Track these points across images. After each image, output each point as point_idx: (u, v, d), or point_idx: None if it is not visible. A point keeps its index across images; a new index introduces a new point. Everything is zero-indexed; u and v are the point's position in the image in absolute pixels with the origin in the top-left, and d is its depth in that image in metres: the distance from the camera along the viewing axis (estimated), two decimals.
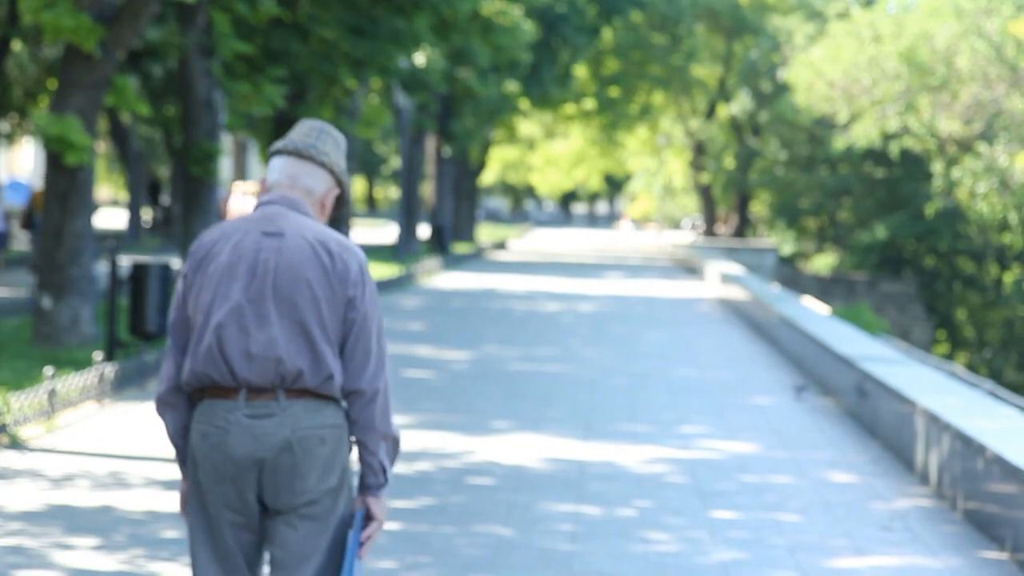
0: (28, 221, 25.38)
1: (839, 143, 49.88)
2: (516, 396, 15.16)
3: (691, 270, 44.87)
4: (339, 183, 4.81)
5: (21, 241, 37.36)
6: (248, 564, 4.66)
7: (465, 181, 59.36)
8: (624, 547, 8.63)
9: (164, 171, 61.25)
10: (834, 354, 15.78)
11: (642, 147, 75.48)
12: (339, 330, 4.61)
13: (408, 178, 45.26)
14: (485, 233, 70.15)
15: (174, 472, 10.03)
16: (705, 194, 69.30)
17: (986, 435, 9.64)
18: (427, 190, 60.87)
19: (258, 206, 4.77)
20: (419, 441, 11.95)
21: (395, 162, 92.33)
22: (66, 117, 16.60)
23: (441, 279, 36.27)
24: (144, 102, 20.86)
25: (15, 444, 11.18)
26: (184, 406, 4.71)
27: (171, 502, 9.23)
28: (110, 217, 60.43)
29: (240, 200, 11.20)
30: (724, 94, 66.67)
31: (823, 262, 60.20)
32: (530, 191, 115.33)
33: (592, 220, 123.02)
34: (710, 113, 68.33)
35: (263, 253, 4.61)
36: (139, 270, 15.46)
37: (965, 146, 42.42)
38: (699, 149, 68.66)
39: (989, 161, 39.00)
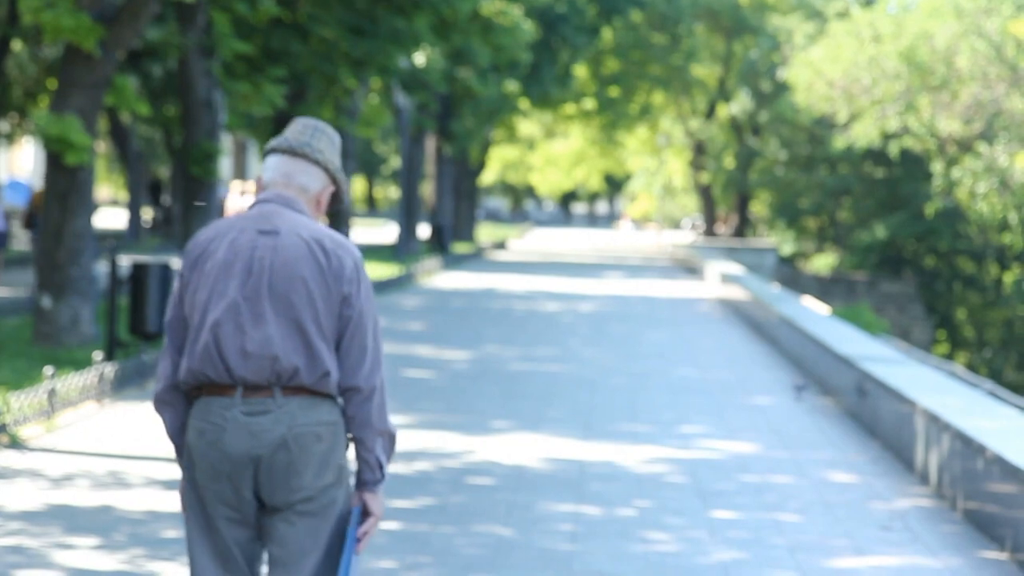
0: (30, 221, 25.38)
1: (839, 143, 49.88)
2: (516, 396, 15.16)
3: (691, 270, 44.87)
4: (334, 181, 4.82)
5: (21, 241, 37.37)
6: (246, 561, 4.67)
7: (465, 181, 59.37)
8: (624, 547, 8.63)
9: (164, 171, 61.23)
10: (834, 354, 15.78)
11: (642, 147, 75.49)
12: (335, 327, 4.62)
13: (408, 178, 45.26)
14: (485, 233, 70.15)
15: (174, 472, 10.03)
16: (705, 194, 69.31)
17: (986, 435, 9.63)
18: (427, 190, 60.87)
19: (254, 204, 4.79)
20: (419, 441, 11.95)
21: (395, 162, 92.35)
22: (66, 117, 16.59)
23: (441, 279, 36.27)
24: (144, 102, 20.85)
25: (15, 444, 11.18)
26: (182, 404, 4.73)
27: (171, 502, 9.23)
28: (110, 217, 60.42)
29: (238, 198, 11.23)
30: (724, 94, 66.68)
31: (823, 262, 60.21)
32: (530, 191, 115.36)
33: (592, 220, 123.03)
34: (710, 113, 68.34)
35: (259, 251, 4.63)
36: (139, 270, 15.46)
37: (965, 146, 42.42)
38: (699, 149, 68.67)
39: (989, 161, 39.00)
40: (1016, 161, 38.40)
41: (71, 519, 8.81)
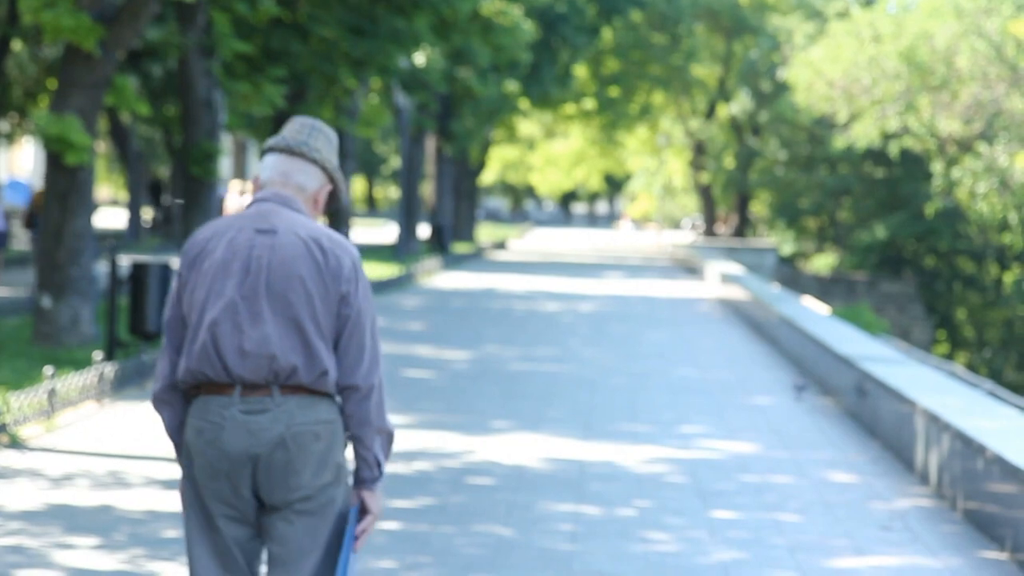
0: (30, 221, 25.38)
1: (839, 143, 49.87)
2: (516, 396, 15.16)
3: (691, 270, 44.87)
4: (332, 179, 4.82)
5: (21, 241, 37.36)
6: (246, 560, 4.67)
7: (465, 181, 59.36)
8: (624, 547, 8.63)
9: (164, 171, 61.24)
10: (834, 354, 15.78)
11: (642, 147, 75.49)
12: (333, 326, 4.63)
13: (408, 178, 45.25)
14: (485, 233, 70.15)
15: (174, 471, 10.03)
16: (705, 194, 69.30)
17: (986, 435, 9.63)
18: (427, 190, 60.87)
19: (251, 203, 4.80)
20: (419, 441, 11.94)
21: (395, 162, 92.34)
22: (66, 117, 16.59)
23: (441, 279, 36.27)
24: (144, 102, 20.85)
25: (15, 444, 11.18)
26: (180, 403, 4.73)
27: (171, 501, 9.23)
28: (110, 217, 60.41)
29: (236, 198, 11.23)
30: (724, 94, 66.68)
31: (823, 262, 60.21)
32: (530, 191, 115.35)
33: (592, 220, 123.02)
34: (710, 113, 68.34)
35: (256, 250, 4.63)
36: (139, 270, 15.46)
37: (965, 146, 42.41)
38: (699, 149, 68.67)
39: (989, 161, 39.00)
40: (1016, 161, 38.40)
41: (71, 519, 8.81)
